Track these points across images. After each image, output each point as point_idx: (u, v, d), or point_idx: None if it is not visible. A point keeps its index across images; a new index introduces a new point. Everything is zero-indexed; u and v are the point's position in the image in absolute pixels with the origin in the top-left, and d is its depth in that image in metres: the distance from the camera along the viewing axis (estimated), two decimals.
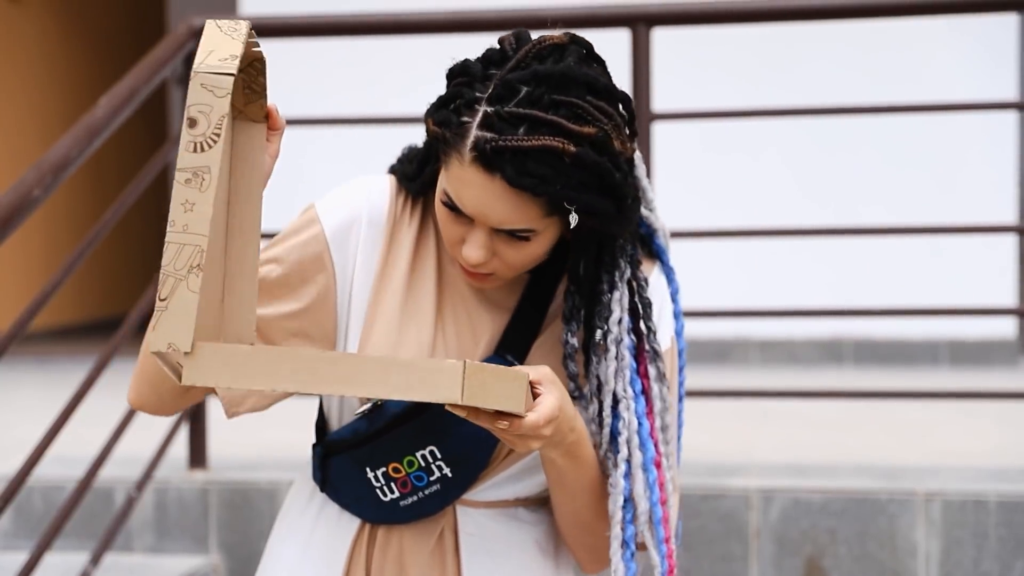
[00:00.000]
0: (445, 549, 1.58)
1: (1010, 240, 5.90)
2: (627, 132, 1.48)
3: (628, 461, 1.52)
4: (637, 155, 1.54)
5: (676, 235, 3.85)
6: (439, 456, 1.53)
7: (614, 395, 1.53)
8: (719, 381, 5.22)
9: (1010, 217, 5.88)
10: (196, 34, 3.57)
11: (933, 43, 5.87)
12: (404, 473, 1.54)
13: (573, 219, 1.43)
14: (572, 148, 1.40)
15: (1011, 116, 5.91)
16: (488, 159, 1.40)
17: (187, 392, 1.53)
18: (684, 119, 4.10)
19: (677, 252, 6.27)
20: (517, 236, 1.45)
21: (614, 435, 1.53)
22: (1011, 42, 5.93)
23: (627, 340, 1.54)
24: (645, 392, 1.55)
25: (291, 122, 4.43)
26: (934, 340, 5.92)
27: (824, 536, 3.18)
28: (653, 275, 1.61)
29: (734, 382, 5.31)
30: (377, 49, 5.89)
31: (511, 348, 1.54)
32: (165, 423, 3.75)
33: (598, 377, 1.53)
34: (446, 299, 1.57)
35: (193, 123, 1.27)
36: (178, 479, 3.44)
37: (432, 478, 1.54)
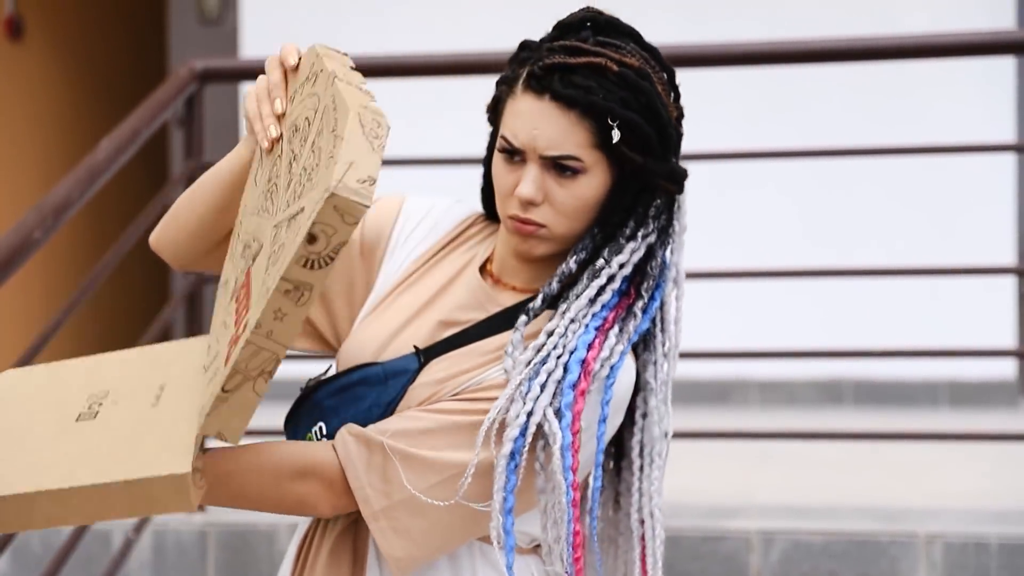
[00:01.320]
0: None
1: (1009, 281, 5.90)
2: (670, 90, 1.58)
3: (550, 374, 1.50)
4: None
5: None
6: (323, 434, 1.57)
7: (575, 316, 1.54)
8: (718, 422, 5.21)
9: (1009, 259, 5.88)
10: (197, 76, 3.58)
11: (933, 86, 5.89)
12: None
13: (615, 135, 1.48)
14: (615, 67, 1.49)
15: (1009, 158, 5.93)
16: (537, 79, 1.50)
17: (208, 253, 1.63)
18: (684, 160, 4.11)
19: None
20: (565, 170, 1.50)
21: (548, 353, 1.52)
22: (1009, 85, 5.95)
23: (618, 284, 1.55)
24: (601, 332, 1.54)
25: None
26: (934, 381, 5.91)
27: None
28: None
29: (734, 423, 5.30)
30: (378, 92, 5.91)
31: (434, 350, 1.56)
32: None
33: (575, 297, 1.54)
34: (437, 300, 1.61)
35: (313, 239, 1.25)
36: (176, 521, 3.43)
37: None
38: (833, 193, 5.97)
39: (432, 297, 1.62)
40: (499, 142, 1.55)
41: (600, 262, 1.55)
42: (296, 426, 1.61)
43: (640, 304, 1.57)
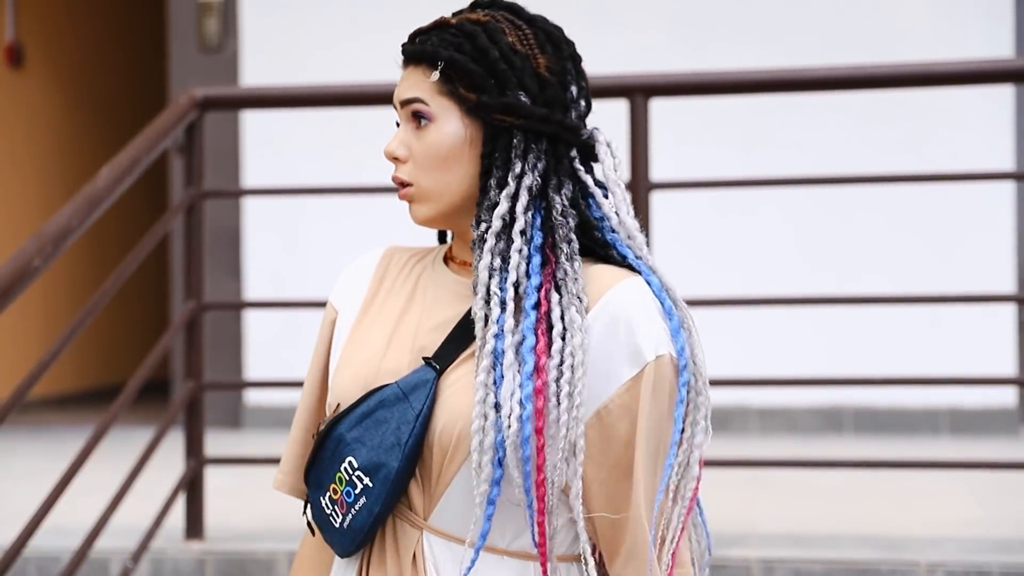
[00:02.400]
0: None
1: (1009, 309, 5.90)
2: (537, 43, 1.60)
3: (499, 360, 1.49)
4: (598, 141, 1.60)
5: None
6: (356, 467, 1.56)
7: (487, 292, 1.52)
8: (718, 450, 5.19)
9: (1009, 287, 5.88)
10: (197, 104, 3.59)
11: (932, 114, 5.90)
12: (340, 493, 1.57)
13: (434, 75, 1.56)
14: (453, 20, 1.59)
15: (1008, 186, 5.94)
16: (402, 49, 1.61)
17: None
18: (683, 188, 4.12)
19: None
20: (420, 119, 1.57)
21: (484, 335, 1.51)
22: (1007, 113, 5.97)
23: (519, 243, 1.53)
24: (542, 308, 1.51)
25: (294, 191, 4.45)
26: (934, 409, 5.90)
27: None
28: (623, 286, 1.54)
29: (734, 451, 5.29)
30: (380, 119, 5.92)
31: (442, 356, 1.57)
32: (162, 493, 3.73)
33: (484, 272, 1.53)
34: (412, 309, 1.63)
35: None
36: (174, 550, 3.41)
37: (356, 491, 1.56)
38: (833, 220, 5.98)
39: (402, 312, 1.64)
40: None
41: (483, 226, 1.55)
42: (321, 471, 1.60)
43: (564, 254, 1.53)
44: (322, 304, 1.77)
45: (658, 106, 3.64)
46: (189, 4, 6.40)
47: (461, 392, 1.53)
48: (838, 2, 6.06)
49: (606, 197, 1.59)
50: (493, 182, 1.56)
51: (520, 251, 1.53)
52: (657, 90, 3.52)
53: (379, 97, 3.81)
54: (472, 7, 1.63)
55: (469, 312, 1.56)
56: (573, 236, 1.55)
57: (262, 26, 6.32)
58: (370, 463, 1.54)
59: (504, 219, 1.54)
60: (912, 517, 3.96)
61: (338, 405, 1.60)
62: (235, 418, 6.24)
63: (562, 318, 1.51)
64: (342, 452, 1.56)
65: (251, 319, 6.27)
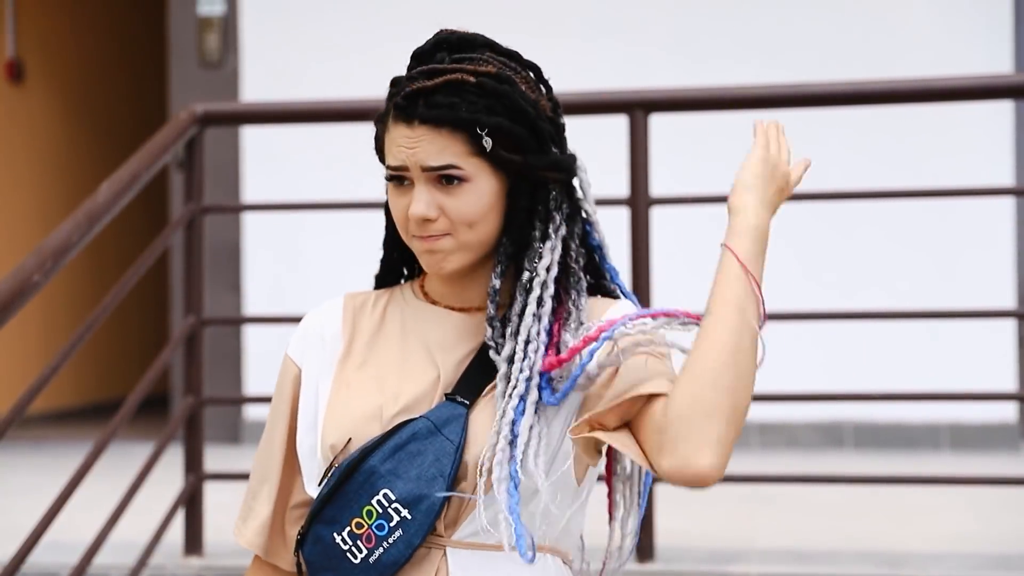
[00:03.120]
0: None
1: (1009, 324, 5.90)
2: (538, 86, 1.62)
3: (524, 398, 1.54)
4: (578, 160, 1.64)
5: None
6: (393, 499, 1.56)
7: (528, 336, 1.57)
8: None
9: (1009, 302, 5.88)
10: (197, 120, 3.59)
11: (932, 130, 5.90)
12: (367, 527, 1.56)
13: (487, 143, 1.55)
14: (472, 78, 1.56)
15: (1008, 201, 5.94)
16: (403, 108, 1.57)
17: None
18: (683, 203, 4.12)
19: (679, 335, 6.15)
20: (451, 180, 1.57)
21: (512, 373, 1.56)
22: (1007, 129, 5.97)
23: (552, 289, 1.60)
24: (553, 345, 1.58)
25: (294, 206, 4.47)
26: (935, 424, 5.89)
27: None
28: (616, 308, 1.64)
29: (734, 466, 5.27)
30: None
31: (465, 391, 1.60)
32: (162, 508, 3.72)
33: (518, 317, 1.59)
34: (411, 347, 1.64)
35: None
36: (173, 565, 3.40)
37: (392, 524, 1.55)
38: (834, 235, 5.98)
39: (401, 352, 1.65)
40: (386, 173, 1.62)
41: (526, 275, 1.60)
42: (342, 506, 1.58)
43: (571, 301, 1.61)
44: None
45: (658, 121, 3.64)
46: (189, 20, 6.41)
47: (488, 425, 1.57)
48: (838, 18, 6.06)
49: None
50: (537, 234, 1.61)
51: (551, 295, 1.60)
52: (657, 105, 3.53)
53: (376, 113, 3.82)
54: (449, 49, 1.61)
55: (482, 348, 1.61)
56: (583, 275, 1.64)
57: (262, 42, 6.32)
58: (410, 495, 1.55)
59: (547, 270, 1.60)
60: (912, 533, 3.96)
61: (349, 440, 1.60)
62: (235, 433, 6.23)
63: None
64: (375, 485, 1.56)
65: (251, 334, 6.27)
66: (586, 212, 1.67)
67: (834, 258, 5.99)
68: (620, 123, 3.50)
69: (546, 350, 1.57)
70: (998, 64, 5.86)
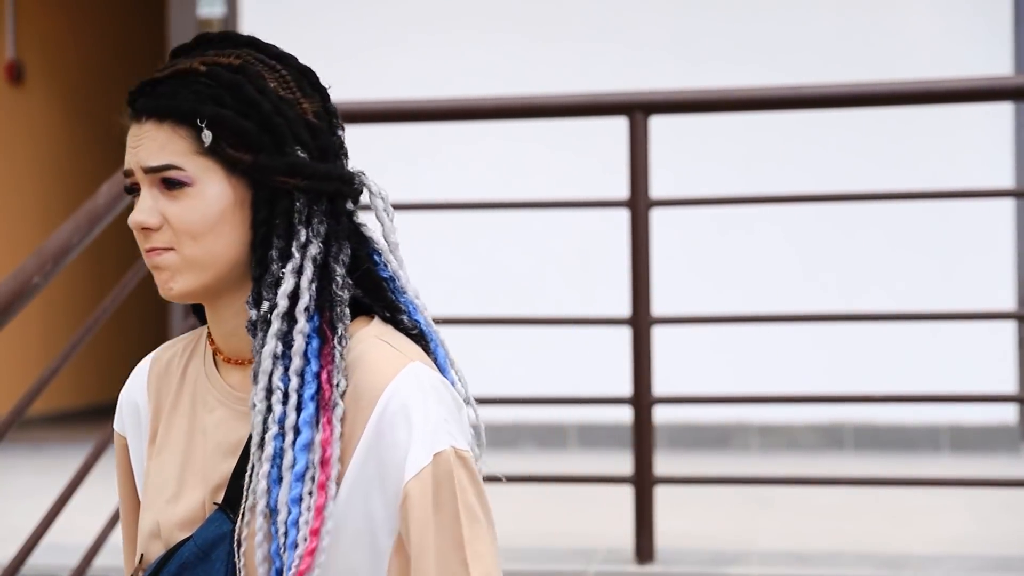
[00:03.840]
0: None
1: (1010, 326, 5.90)
2: (297, 86, 1.43)
3: (276, 462, 1.32)
4: (369, 190, 1.44)
5: (677, 320, 3.84)
6: None
7: (268, 385, 1.33)
8: (719, 467, 5.19)
9: (1009, 303, 5.88)
10: None
11: (932, 131, 5.90)
12: None
13: (206, 136, 1.34)
14: (202, 67, 1.38)
15: (1008, 203, 5.94)
16: (131, 104, 1.40)
17: None
18: (683, 205, 4.12)
19: (680, 337, 6.23)
20: (172, 184, 1.36)
21: (264, 433, 1.33)
22: (1007, 131, 5.97)
23: (303, 323, 1.33)
24: (325, 395, 1.33)
25: None
26: (935, 426, 5.89)
27: None
28: (408, 370, 1.35)
29: (734, 468, 5.28)
30: (376, 136, 5.93)
31: (234, 500, 1.37)
32: None
33: (257, 356, 1.34)
34: (196, 428, 1.44)
35: None
36: None
37: None
38: (834, 237, 5.98)
39: (188, 439, 1.45)
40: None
41: (265, 305, 1.35)
42: None
43: (338, 336, 1.34)
44: None
45: (658, 123, 3.64)
46: (189, 21, 6.42)
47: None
48: (838, 20, 6.06)
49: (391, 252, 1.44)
50: (275, 253, 1.36)
51: (303, 332, 1.34)
52: (657, 107, 3.53)
53: (380, 114, 3.81)
54: (205, 45, 1.43)
55: (247, 445, 1.36)
56: (347, 311, 1.36)
57: None
58: None
59: (290, 298, 1.34)
60: (912, 535, 3.96)
61: (142, 556, 1.44)
62: None
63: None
64: None
65: None
66: (373, 239, 1.42)
67: (834, 259, 5.99)
68: (620, 125, 3.50)
69: (317, 411, 1.32)
70: (998, 66, 5.86)
